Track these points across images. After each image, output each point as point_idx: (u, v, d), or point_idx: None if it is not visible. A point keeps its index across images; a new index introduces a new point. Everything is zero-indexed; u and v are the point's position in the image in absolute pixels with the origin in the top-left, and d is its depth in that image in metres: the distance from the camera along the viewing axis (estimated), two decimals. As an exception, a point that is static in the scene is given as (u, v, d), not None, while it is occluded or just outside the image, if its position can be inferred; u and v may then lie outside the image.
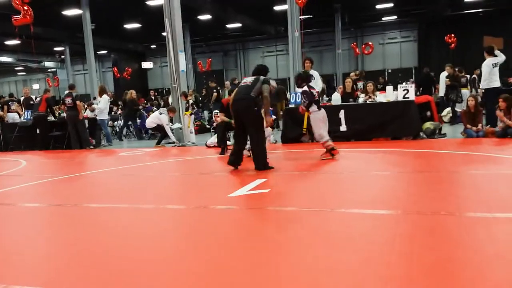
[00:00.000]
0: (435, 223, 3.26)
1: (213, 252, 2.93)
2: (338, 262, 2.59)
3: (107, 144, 12.67)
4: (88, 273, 2.69)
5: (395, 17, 26.66)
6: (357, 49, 25.23)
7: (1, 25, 18.86)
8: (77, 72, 34.58)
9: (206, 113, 16.59)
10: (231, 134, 10.03)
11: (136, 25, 25.13)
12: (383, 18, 26.85)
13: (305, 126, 7.07)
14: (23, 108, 13.95)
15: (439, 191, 4.40)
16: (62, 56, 31.10)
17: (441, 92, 12.38)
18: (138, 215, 4.16)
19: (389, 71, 28.15)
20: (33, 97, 13.69)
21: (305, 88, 6.78)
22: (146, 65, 32.32)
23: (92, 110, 12.86)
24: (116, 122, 16.04)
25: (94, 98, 15.57)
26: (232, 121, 8.32)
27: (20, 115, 13.63)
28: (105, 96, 12.69)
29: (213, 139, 9.86)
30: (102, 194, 5.57)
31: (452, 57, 20.18)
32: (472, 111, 8.67)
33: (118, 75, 28.41)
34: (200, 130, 13.88)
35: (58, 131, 12.21)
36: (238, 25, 25.63)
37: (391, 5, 23.32)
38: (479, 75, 11.29)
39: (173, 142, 10.99)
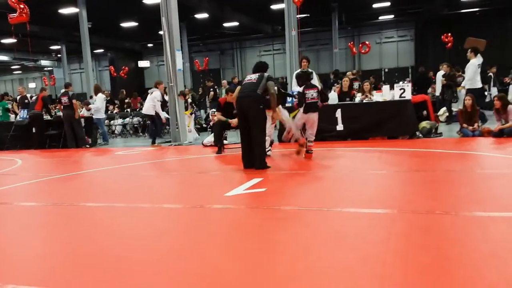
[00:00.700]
0: (431, 222, 3.27)
1: (209, 251, 2.93)
2: (335, 261, 2.60)
3: (103, 143, 12.65)
4: (83, 272, 2.68)
5: (392, 16, 26.70)
6: (354, 48, 25.25)
7: (-3, 23, 18.78)
8: (73, 71, 34.45)
9: (202, 112, 16.58)
10: (227, 133, 10.05)
11: (133, 24, 25.06)
12: (380, 18, 26.89)
13: (292, 115, 7.24)
14: (19, 107, 13.90)
15: (434, 190, 4.41)
16: (59, 55, 30.97)
17: (438, 91, 12.41)
18: (134, 214, 4.15)
19: (386, 70, 28.20)
20: (28, 95, 13.61)
21: (300, 89, 6.82)
22: (143, 64, 32.25)
23: (89, 109, 12.82)
24: (112, 121, 16.03)
25: (91, 97, 15.51)
26: (229, 120, 8.38)
27: (16, 114, 13.58)
28: (100, 94, 12.66)
29: (209, 138, 9.85)
30: (98, 193, 5.56)
31: (448, 57, 20.21)
32: (469, 110, 8.68)
33: (115, 74, 28.32)
34: (197, 129, 13.87)
35: (54, 130, 12.17)
36: (235, 24, 25.60)
37: (388, 4, 23.36)
38: (495, 73, 11.43)
39: (166, 124, 10.97)
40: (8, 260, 3.06)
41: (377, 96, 9.64)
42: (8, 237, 3.68)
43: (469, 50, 9.98)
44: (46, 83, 25.26)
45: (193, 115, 12.11)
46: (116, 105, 17.90)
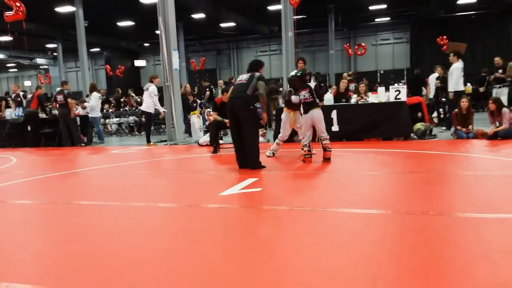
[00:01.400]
0: (424, 223, 3.29)
1: (203, 250, 2.94)
2: (329, 261, 2.61)
3: (99, 142, 12.63)
4: (78, 270, 2.68)
5: (388, 18, 26.81)
6: (350, 50, 25.33)
7: (-7, 21, 18.70)
8: (69, 69, 34.35)
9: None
10: (223, 133, 10.05)
11: (129, 23, 25.02)
12: (376, 20, 26.99)
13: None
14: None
15: (428, 191, 4.44)
16: (55, 53, 30.84)
17: (431, 93, 12.48)
18: (128, 213, 4.15)
19: (382, 72, 28.31)
20: (21, 94, 13.52)
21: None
22: (139, 63, 32.20)
23: (84, 108, 12.79)
24: (108, 120, 16.00)
25: (87, 96, 15.48)
26: (225, 120, 8.38)
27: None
28: (95, 93, 12.64)
29: (205, 137, 9.85)
30: (93, 192, 5.55)
31: (444, 59, 20.29)
32: (464, 112, 8.74)
33: (111, 73, 28.26)
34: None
35: (50, 128, 12.13)
36: (232, 24, 25.61)
37: (384, 6, 23.46)
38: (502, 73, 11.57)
39: (163, 114, 11.02)
40: (2, 258, 3.05)
41: (372, 98, 9.68)
42: (2, 235, 3.67)
43: (452, 54, 10.14)
44: (42, 81, 25.18)
45: (201, 115, 12.02)
46: (112, 104, 17.88)
